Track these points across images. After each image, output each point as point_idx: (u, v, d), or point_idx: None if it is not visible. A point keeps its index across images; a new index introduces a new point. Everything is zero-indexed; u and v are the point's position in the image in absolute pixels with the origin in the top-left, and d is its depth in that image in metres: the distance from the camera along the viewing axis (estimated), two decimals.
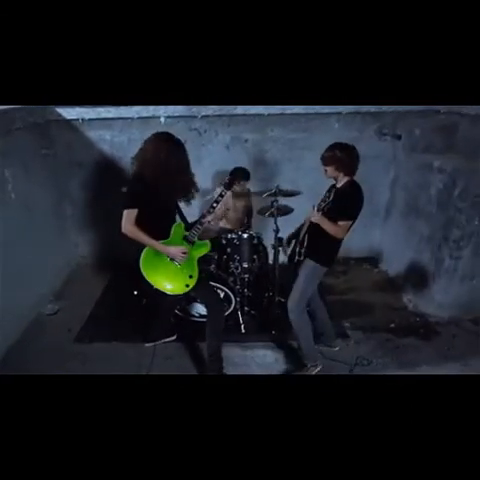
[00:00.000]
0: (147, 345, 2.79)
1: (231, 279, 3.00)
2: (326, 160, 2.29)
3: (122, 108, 3.38)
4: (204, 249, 2.41)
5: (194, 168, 2.29)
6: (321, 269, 2.43)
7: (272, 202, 2.80)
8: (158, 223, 2.24)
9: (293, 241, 2.65)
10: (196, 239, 2.34)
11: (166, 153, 2.10)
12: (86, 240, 4.01)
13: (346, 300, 3.45)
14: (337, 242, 2.36)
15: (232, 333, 2.87)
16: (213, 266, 2.95)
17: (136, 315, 3.13)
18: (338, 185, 2.35)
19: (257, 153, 3.69)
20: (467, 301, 3.16)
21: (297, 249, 2.49)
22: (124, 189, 2.25)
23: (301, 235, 2.49)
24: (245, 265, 3.01)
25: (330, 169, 2.29)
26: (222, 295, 2.87)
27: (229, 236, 3.03)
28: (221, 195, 2.35)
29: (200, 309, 2.94)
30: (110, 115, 3.42)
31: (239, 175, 2.87)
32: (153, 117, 3.44)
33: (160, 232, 2.24)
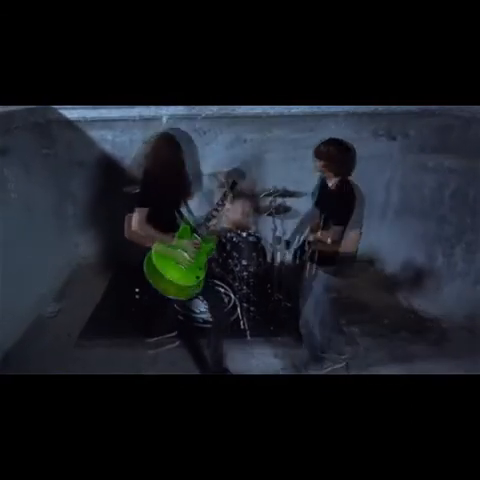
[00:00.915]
0: (149, 341, 2.81)
1: (230, 276, 3.04)
2: (317, 153, 2.17)
3: (124, 108, 3.38)
4: (212, 243, 2.44)
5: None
6: (334, 280, 2.33)
7: (271, 201, 2.85)
8: (166, 220, 2.27)
9: (297, 237, 2.61)
10: (205, 233, 2.36)
11: (176, 152, 2.15)
12: (87, 240, 3.99)
13: (342, 298, 3.48)
14: (350, 253, 2.27)
15: (232, 329, 2.89)
16: (213, 264, 2.99)
17: (137, 315, 3.11)
18: (329, 184, 2.25)
19: (257, 153, 3.68)
20: (463, 298, 3.20)
21: (305, 249, 2.38)
22: (126, 189, 2.28)
23: (306, 237, 2.42)
24: (244, 263, 3.06)
25: (320, 164, 2.17)
26: (222, 292, 2.92)
27: (228, 235, 3.08)
28: (225, 196, 2.37)
29: (201, 306, 2.97)
30: (112, 115, 3.42)
31: (239, 175, 2.91)
32: (155, 117, 3.43)
33: (168, 229, 2.26)
